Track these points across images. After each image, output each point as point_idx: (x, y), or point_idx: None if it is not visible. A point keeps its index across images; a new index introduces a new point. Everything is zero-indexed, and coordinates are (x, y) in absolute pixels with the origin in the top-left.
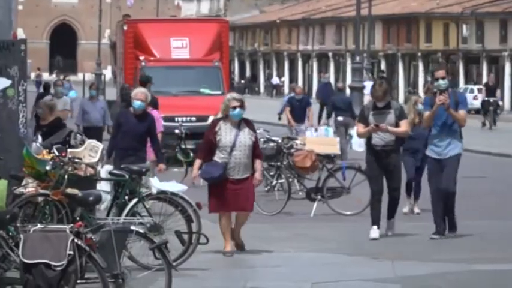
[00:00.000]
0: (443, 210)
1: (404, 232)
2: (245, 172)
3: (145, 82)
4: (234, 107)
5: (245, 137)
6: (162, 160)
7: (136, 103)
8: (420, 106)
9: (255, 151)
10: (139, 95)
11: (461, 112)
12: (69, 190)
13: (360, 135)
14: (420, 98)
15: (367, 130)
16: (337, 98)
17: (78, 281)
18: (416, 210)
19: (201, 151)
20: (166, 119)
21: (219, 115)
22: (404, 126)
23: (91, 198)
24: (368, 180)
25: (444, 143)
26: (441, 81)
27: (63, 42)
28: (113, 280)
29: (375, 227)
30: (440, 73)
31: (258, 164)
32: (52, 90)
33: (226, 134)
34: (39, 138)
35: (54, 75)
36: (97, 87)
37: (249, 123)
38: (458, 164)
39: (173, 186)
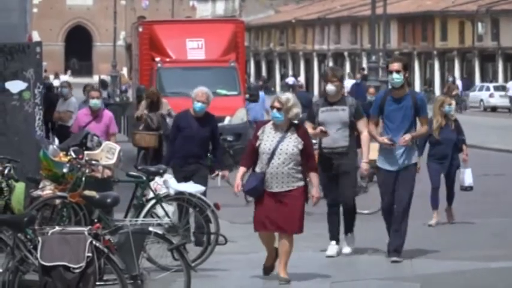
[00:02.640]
0: (393, 227)
1: (421, 230)
2: (288, 184)
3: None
4: (273, 108)
5: (289, 143)
6: (223, 166)
7: (197, 105)
8: (447, 108)
9: (308, 162)
10: (199, 95)
11: (423, 129)
12: (87, 192)
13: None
14: (448, 98)
15: (313, 134)
16: (300, 95)
17: (97, 283)
18: (450, 219)
19: (243, 158)
20: None
21: (226, 122)
22: (361, 127)
23: (109, 200)
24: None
25: (399, 151)
26: (395, 75)
27: (79, 45)
28: (131, 282)
29: (333, 242)
30: (395, 66)
31: (314, 177)
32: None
33: (268, 139)
34: (56, 141)
35: (67, 76)
36: (105, 85)
37: (300, 129)
38: (415, 174)
39: (191, 187)
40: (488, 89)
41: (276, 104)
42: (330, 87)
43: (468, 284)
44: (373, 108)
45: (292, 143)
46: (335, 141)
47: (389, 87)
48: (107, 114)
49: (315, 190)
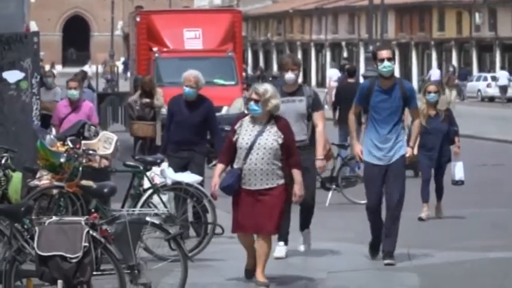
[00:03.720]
0: (385, 230)
1: (418, 221)
2: (267, 182)
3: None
4: (250, 100)
5: (268, 137)
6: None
7: (185, 90)
8: (432, 95)
9: (289, 157)
10: (187, 80)
11: (415, 126)
12: (84, 182)
13: None
14: (432, 85)
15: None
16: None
17: (94, 273)
18: (440, 214)
19: (221, 154)
20: None
21: (224, 112)
22: (317, 119)
23: (106, 190)
24: None
25: (388, 144)
26: (387, 63)
27: (76, 35)
28: (128, 271)
29: (281, 243)
30: (385, 53)
31: (296, 174)
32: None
33: (245, 133)
34: (53, 131)
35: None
36: (84, 77)
37: (281, 122)
38: (405, 168)
39: (188, 177)
40: (485, 79)
41: (254, 96)
42: (290, 76)
43: (467, 274)
44: (357, 97)
45: (271, 137)
46: (296, 134)
47: (376, 76)
48: (87, 104)
49: (298, 188)
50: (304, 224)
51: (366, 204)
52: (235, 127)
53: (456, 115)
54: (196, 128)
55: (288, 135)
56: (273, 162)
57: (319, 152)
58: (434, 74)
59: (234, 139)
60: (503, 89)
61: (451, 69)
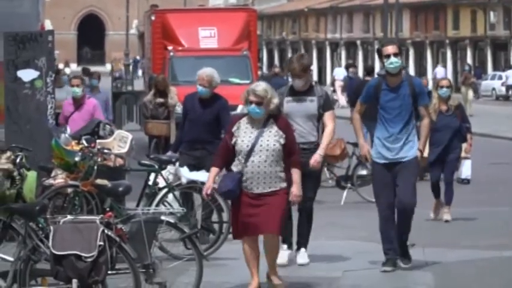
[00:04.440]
0: (397, 232)
1: (433, 219)
2: (270, 185)
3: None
4: (250, 102)
5: (270, 138)
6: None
7: (198, 88)
8: (444, 90)
9: (290, 157)
10: (200, 79)
11: (425, 126)
12: (99, 181)
13: None
14: (445, 79)
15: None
16: (274, 81)
17: (109, 272)
18: (447, 217)
19: (216, 157)
20: None
21: (239, 110)
22: (328, 119)
23: (121, 189)
24: None
25: (398, 144)
26: (393, 59)
27: (91, 33)
28: (143, 270)
29: (284, 246)
30: (393, 48)
31: (295, 174)
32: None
33: (244, 134)
34: (68, 129)
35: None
36: (99, 76)
37: (281, 121)
38: (417, 169)
39: (203, 176)
40: (500, 77)
41: (253, 98)
42: (298, 83)
43: (480, 272)
44: (363, 96)
45: (272, 138)
46: (302, 135)
47: (383, 73)
48: (91, 102)
49: (296, 187)
50: (301, 241)
51: (379, 214)
52: (233, 129)
53: (472, 114)
54: (209, 126)
55: (289, 135)
56: (276, 165)
57: (323, 148)
58: (440, 72)
59: (232, 142)
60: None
61: (467, 68)
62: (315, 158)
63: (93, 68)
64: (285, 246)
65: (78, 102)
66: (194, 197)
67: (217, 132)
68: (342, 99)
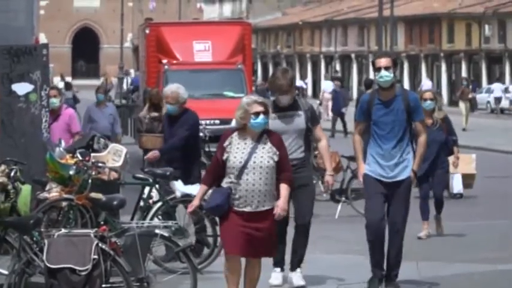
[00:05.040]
0: (387, 254)
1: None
2: (264, 204)
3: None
4: (257, 114)
5: (263, 155)
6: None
7: (167, 107)
8: (428, 103)
9: (282, 173)
10: (166, 97)
11: (421, 145)
12: (93, 194)
13: None
14: (428, 92)
15: None
16: (268, 95)
17: (103, 286)
18: (422, 234)
19: (207, 174)
20: None
21: (234, 124)
22: (319, 133)
23: (115, 203)
24: None
25: (391, 162)
26: (383, 72)
27: (86, 47)
28: (138, 284)
29: (277, 269)
30: (383, 61)
31: (284, 189)
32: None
33: (237, 150)
34: (62, 143)
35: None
36: (105, 91)
37: (274, 137)
38: (410, 191)
39: (197, 190)
40: (491, 91)
41: (260, 108)
42: (286, 98)
43: (476, 286)
44: (358, 113)
45: (266, 154)
46: (291, 152)
47: (376, 87)
48: (67, 112)
49: (283, 201)
50: (295, 261)
51: (366, 222)
52: (225, 144)
53: (467, 128)
54: (180, 143)
55: (282, 151)
56: (271, 182)
57: (329, 168)
58: (427, 84)
59: (224, 158)
60: (498, 100)
61: (464, 82)
62: (328, 180)
63: (89, 82)
64: (278, 269)
65: (55, 113)
66: None
67: (196, 149)
68: (327, 112)
